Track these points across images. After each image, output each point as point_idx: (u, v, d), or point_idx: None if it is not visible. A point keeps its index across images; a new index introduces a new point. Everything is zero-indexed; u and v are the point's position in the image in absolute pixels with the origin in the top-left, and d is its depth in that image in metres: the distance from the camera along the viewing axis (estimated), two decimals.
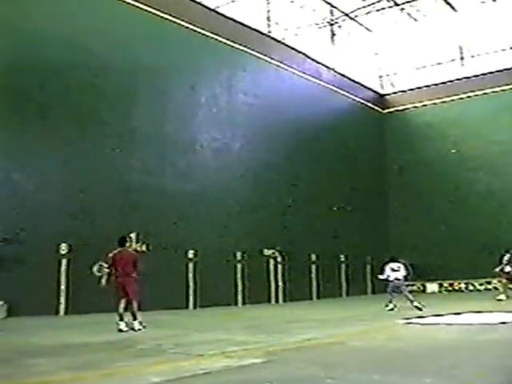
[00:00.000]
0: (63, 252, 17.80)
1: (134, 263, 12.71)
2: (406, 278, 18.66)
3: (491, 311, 15.66)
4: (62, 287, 17.57)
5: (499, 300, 20.08)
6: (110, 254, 12.79)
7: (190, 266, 21.57)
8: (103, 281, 12.70)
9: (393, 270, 18.33)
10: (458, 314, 15.28)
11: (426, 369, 6.90)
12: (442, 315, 14.91)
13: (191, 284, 21.47)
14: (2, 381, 6.57)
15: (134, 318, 12.33)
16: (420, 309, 16.76)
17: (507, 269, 21.12)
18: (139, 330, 12.11)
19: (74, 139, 18.89)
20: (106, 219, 19.13)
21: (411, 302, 17.32)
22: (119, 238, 13.08)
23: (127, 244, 13.40)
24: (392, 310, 17.57)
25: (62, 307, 17.47)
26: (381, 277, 18.88)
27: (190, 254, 21.58)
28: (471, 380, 6.34)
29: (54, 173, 18.38)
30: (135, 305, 12.45)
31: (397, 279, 18.06)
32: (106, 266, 12.79)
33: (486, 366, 7.19)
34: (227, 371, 6.92)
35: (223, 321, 16.36)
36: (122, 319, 12.15)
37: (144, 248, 19.99)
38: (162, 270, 20.02)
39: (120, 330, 11.91)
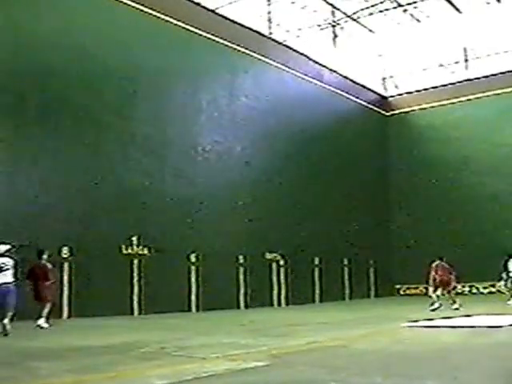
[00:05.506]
0: (65, 255, 17.77)
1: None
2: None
3: (500, 314, 15.58)
4: (65, 290, 17.54)
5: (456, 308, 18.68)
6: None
7: (193, 269, 21.54)
8: None
9: None
10: (468, 316, 15.25)
11: (428, 371, 6.87)
12: (450, 318, 14.86)
13: (194, 287, 21.43)
14: (5, 383, 6.55)
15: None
16: None
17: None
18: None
19: (74, 142, 18.84)
20: (108, 223, 19.10)
21: None
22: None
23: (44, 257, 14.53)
24: None
25: (65, 311, 17.44)
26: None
27: (192, 257, 21.54)
28: (473, 382, 6.31)
29: (54, 176, 18.30)
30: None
31: None
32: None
33: (489, 368, 7.16)
34: (230, 374, 6.88)
35: (226, 324, 16.30)
36: None
37: (146, 251, 19.97)
38: (165, 273, 20.04)
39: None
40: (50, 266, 14.45)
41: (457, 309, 18.11)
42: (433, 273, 19.09)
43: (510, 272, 21.45)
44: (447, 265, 19.23)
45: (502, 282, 21.68)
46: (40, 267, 14.18)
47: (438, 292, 18.78)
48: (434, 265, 19.25)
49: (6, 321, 11.94)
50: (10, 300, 12.07)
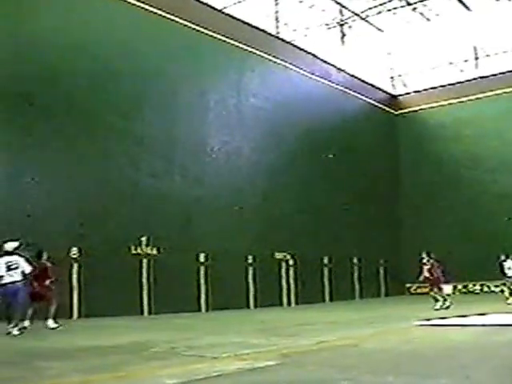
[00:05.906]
0: (74, 256, 17.77)
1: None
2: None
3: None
4: (75, 291, 17.55)
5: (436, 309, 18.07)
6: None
7: (202, 269, 21.52)
8: None
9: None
10: (479, 314, 15.15)
11: (439, 370, 6.82)
12: (460, 316, 14.77)
13: (203, 287, 21.42)
14: (14, 383, 6.54)
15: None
16: None
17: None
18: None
19: (82, 144, 18.81)
20: (116, 223, 19.11)
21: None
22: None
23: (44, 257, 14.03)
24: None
25: (75, 311, 17.45)
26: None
27: (202, 257, 21.52)
28: (486, 381, 6.25)
29: (62, 178, 18.33)
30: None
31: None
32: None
33: (502, 367, 7.09)
34: (241, 373, 6.85)
35: (235, 324, 16.28)
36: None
37: (155, 252, 19.97)
38: (174, 273, 20.02)
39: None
40: (49, 264, 14.10)
41: (447, 307, 18.00)
42: (426, 272, 18.92)
43: (509, 277, 21.18)
44: (436, 262, 19.09)
45: (507, 291, 21.05)
46: (39, 267, 13.83)
47: (444, 291, 18.67)
48: (424, 261, 19.09)
49: (26, 323, 12.11)
50: (20, 299, 12.04)
